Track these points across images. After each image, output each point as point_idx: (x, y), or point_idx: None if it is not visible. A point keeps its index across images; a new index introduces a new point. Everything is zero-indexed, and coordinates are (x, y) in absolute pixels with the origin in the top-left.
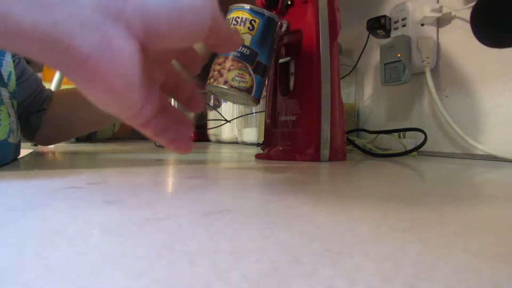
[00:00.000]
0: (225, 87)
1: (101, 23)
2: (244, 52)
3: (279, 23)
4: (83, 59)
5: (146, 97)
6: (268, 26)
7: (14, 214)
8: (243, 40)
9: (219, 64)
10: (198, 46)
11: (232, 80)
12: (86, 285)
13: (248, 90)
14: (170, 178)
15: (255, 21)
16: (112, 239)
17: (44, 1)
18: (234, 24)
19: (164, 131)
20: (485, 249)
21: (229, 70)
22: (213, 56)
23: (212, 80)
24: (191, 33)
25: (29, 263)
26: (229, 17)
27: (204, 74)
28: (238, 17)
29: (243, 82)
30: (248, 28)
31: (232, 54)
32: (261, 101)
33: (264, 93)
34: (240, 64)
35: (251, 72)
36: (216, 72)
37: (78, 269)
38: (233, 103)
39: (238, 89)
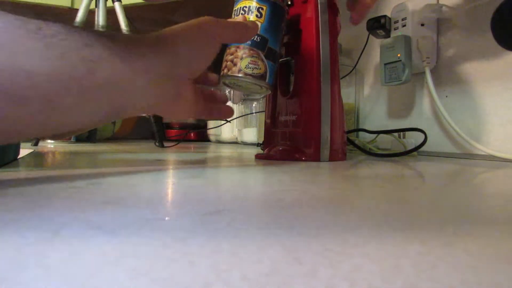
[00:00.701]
0: (240, 75)
1: (176, 86)
2: (255, 39)
3: (286, 8)
4: (173, 106)
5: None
6: (276, 11)
7: (14, 214)
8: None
9: (231, 54)
10: None
11: (246, 68)
12: (86, 285)
13: (262, 77)
14: (170, 178)
15: (262, 8)
16: (111, 239)
17: (157, 99)
18: (242, 14)
19: (211, 111)
20: (485, 249)
21: (241, 58)
22: (223, 48)
23: (226, 70)
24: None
25: (29, 263)
26: (236, 8)
27: (213, 67)
28: (246, 6)
29: (257, 68)
30: (257, 15)
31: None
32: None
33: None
34: (252, 52)
35: (263, 58)
36: (229, 62)
37: (78, 269)
38: (246, 93)
39: (253, 76)
